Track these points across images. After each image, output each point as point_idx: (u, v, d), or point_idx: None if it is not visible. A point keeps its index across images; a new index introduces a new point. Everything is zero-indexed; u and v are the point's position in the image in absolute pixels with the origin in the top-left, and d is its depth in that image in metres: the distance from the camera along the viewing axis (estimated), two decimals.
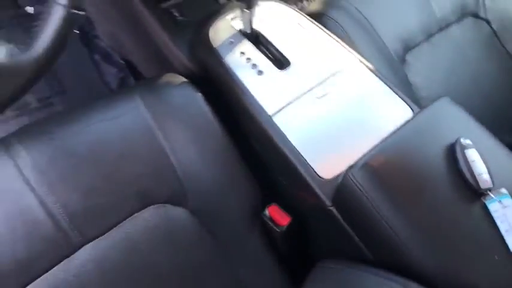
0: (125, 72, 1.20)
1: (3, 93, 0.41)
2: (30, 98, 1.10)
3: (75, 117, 0.65)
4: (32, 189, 0.58)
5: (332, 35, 0.75)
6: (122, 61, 1.20)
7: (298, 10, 0.79)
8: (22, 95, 0.42)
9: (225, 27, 0.74)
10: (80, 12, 0.42)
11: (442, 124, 0.59)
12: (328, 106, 0.65)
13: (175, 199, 0.64)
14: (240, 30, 0.73)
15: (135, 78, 1.20)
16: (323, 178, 0.59)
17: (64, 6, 0.41)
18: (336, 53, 0.72)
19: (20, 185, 0.58)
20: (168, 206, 0.64)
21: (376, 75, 0.69)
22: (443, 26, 0.96)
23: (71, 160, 0.62)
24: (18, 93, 0.42)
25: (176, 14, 0.85)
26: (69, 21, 0.41)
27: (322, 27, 0.76)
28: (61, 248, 0.58)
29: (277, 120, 0.63)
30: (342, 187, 0.55)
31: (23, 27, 1.08)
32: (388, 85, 0.68)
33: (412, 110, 0.65)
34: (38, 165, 0.59)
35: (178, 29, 0.82)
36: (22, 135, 0.62)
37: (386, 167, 0.55)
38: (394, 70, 0.85)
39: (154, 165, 0.64)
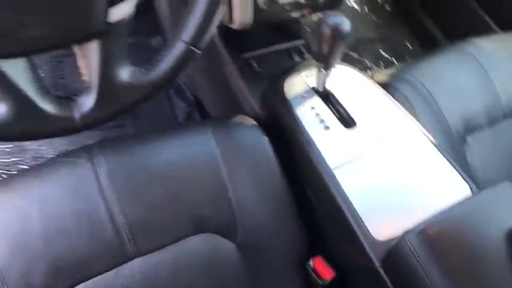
0: (192, 107, 1.29)
1: (120, 106, 0.48)
2: None
3: (153, 139, 0.72)
4: (103, 195, 0.64)
5: (397, 103, 0.79)
6: (191, 97, 1.30)
7: (368, 77, 0.85)
8: (133, 108, 0.49)
9: (299, 82, 0.80)
10: (197, 51, 0.49)
11: (503, 207, 0.60)
12: (389, 170, 0.68)
13: (226, 231, 0.67)
14: (313, 88, 0.79)
15: (200, 115, 1.29)
16: (375, 239, 0.60)
17: (186, 43, 0.48)
18: (399, 121, 0.75)
19: (93, 188, 0.64)
20: (218, 237, 0.67)
21: (437, 149, 0.71)
22: (508, 114, 0.97)
23: (142, 176, 0.68)
24: (132, 107, 0.49)
25: (255, 64, 0.94)
26: (187, 57, 0.49)
27: (388, 95, 0.81)
28: (116, 255, 0.62)
29: (338, 175, 0.66)
30: (395, 250, 0.56)
31: (145, 54, 1.23)
32: (448, 160, 0.70)
33: (471, 189, 0.66)
34: (113, 174, 0.66)
35: (254, 78, 0.91)
36: (104, 146, 0.70)
37: (443, 237, 0.55)
38: (454, 147, 0.87)
39: (214, 195, 0.69)
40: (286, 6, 0.78)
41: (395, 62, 1.72)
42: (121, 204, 0.64)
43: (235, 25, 0.79)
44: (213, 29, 0.50)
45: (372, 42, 1.77)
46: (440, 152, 0.71)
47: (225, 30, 0.86)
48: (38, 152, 1.19)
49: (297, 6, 0.79)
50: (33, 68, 0.43)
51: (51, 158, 0.71)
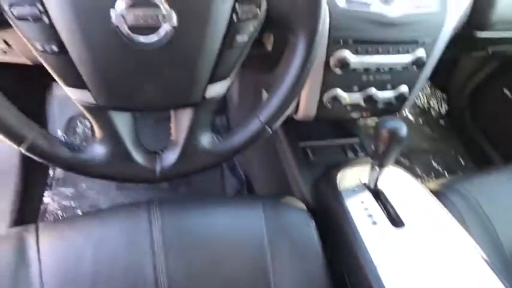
0: (241, 185, 1.36)
1: (196, 167, 0.55)
2: None
3: (207, 206, 0.77)
4: (153, 249, 0.68)
5: (448, 213, 0.80)
6: (243, 174, 1.37)
7: (420, 182, 0.87)
8: (203, 171, 0.56)
9: (352, 176, 0.84)
10: (269, 130, 0.56)
11: None
12: (434, 277, 0.66)
13: None
14: (365, 184, 0.82)
15: (249, 194, 1.35)
16: None
17: (262, 122, 0.56)
18: (449, 230, 0.75)
19: (145, 240, 0.69)
20: None
21: (490, 267, 0.69)
22: None
23: (191, 239, 0.72)
24: (203, 170, 0.56)
25: (310, 153, 1.00)
26: (259, 134, 0.56)
27: (439, 203, 0.82)
28: None
29: (381, 271, 0.66)
30: None
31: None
32: (501, 281, 0.67)
33: None
34: (165, 231, 0.70)
35: (308, 166, 0.96)
36: (163, 203, 0.75)
37: None
38: (508, 270, 0.83)
39: (254, 274, 0.71)
40: (348, 107, 0.85)
41: (446, 175, 1.72)
42: (166, 262, 0.68)
43: (299, 117, 0.87)
44: (286, 115, 0.57)
45: (424, 153, 1.80)
46: (494, 271, 0.69)
47: (287, 120, 0.94)
48: (95, 202, 1.28)
49: (358, 108, 0.86)
50: (135, 123, 0.52)
51: (114, 205, 0.78)
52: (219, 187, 1.36)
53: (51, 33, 0.43)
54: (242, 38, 0.50)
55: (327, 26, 0.71)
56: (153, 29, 0.45)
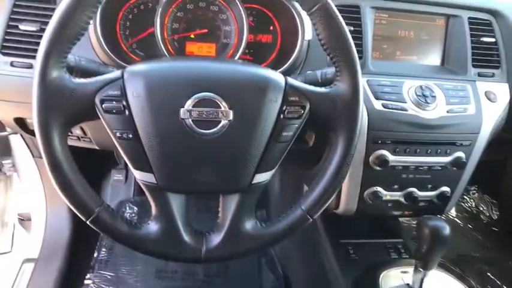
0: (279, 282, 1.32)
1: (239, 250, 0.57)
2: (199, 269, 1.31)
3: None
4: None
5: None
6: (280, 271, 1.34)
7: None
8: (246, 256, 0.58)
9: (395, 277, 0.82)
10: (310, 219, 0.58)
11: None
12: None
13: None
14: (408, 284, 0.79)
15: None
16: None
17: (303, 211, 0.59)
18: None
19: None
20: None
21: None
22: None
23: None
24: (246, 255, 0.58)
25: (351, 251, 0.99)
26: (300, 222, 0.58)
27: None
28: None
29: None
30: None
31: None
32: None
33: None
34: None
35: (349, 263, 0.95)
36: None
37: None
38: None
39: None
40: (389, 204, 0.86)
41: None
42: None
43: (340, 211, 0.89)
44: (326, 205, 0.60)
45: (477, 261, 1.68)
46: None
47: (328, 215, 0.96)
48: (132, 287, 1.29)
49: (399, 206, 0.87)
50: (187, 205, 0.57)
51: None
52: (256, 282, 1.33)
53: (129, 123, 0.52)
54: (287, 134, 0.56)
55: (366, 126, 0.77)
56: (212, 123, 0.53)
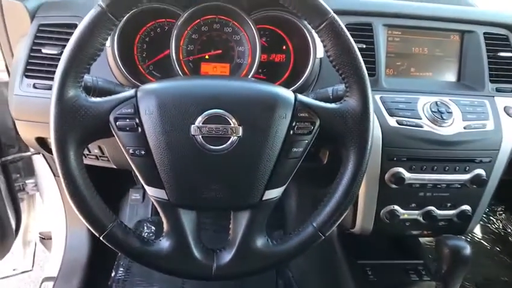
0: None
1: (250, 268, 0.57)
2: None
3: None
4: None
5: None
6: None
7: None
8: (257, 274, 0.58)
9: None
10: (322, 236, 0.58)
11: None
12: None
13: None
14: None
15: None
16: None
17: (315, 228, 0.58)
18: None
19: None
20: None
21: None
22: None
23: None
24: (256, 273, 0.57)
25: (369, 272, 0.96)
26: (312, 239, 0.58)
27: None
28: None
29: None
30: None
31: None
32: None
33: None
34: None
35: (367, 286, 0.92)
36: None
37: None
38: None
39: None
40: (407, 223, 0.84)
41: None
42: None
43: (356, 230, 0.87)
44: (339, 221, 0.59)
45: (504, 286, 1.60)
46: None
47: (344, 235, 0.93)
48: None
49: (417, 225, 0.84)
50: (198, 222, 0.57)
51: None
52: None
53: (141, 140, 0.53)
54: (297, 150, 0.56)
55: (380, 143, 0.76)
56: (222, 139, 0.53)
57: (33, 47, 0.75)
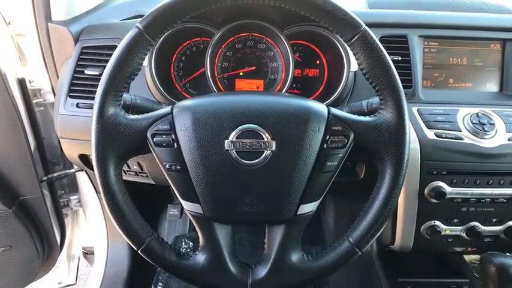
0: None
1: (285, 283, 0.56)
2: None
3: None
4: None
5: None
6: None
7: None
8: None
9: None
10: (358, 252, 0.56)
11: None
12: None
13: None
14: None
15: None
16: None
17: (351, 243, 0.57)
18: None
19: None
20: None
21: None
22: None
23: None
24: (293, 287, 0.56)
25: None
26: (349, 255, 0.56)
27: None
28: None
29: None
30: None
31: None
32: None
33: None
34: None
35: None
36: None
37: None
38: None
39: None
40: (449, 239, 0.80)
41: None
42: None
43: (396, 247, 0.84)
44: (376, 237, 0.57)
45: None
46: None
47: (384, 251, 0.90)
48: None
49: (460, 241, 0.80)
50: (233, 236, 0.58)
51: None
52: None
53: (177, 156, 0.55)
54: (332, 164, 0.56)
55: (419, 157, 0.73)
56: (255, 153, 0.54)
57: (77, 69, 0.79)
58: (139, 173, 0.87)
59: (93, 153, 0.54)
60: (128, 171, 0.87)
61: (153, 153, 0.56)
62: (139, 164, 0.83)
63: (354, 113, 0.58)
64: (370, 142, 0.56)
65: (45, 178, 1.07)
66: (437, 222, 0.78)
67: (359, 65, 0.56)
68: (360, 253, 0.56)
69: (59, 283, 1.40)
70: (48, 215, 1.08)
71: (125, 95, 0.64)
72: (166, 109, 0.57)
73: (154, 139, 0.55)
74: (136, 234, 0.56)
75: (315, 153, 0.55)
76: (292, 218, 0.56)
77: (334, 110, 0.57)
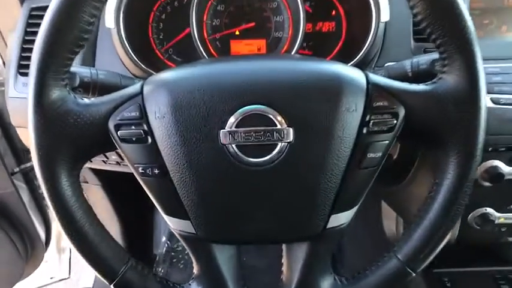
0: None
1: None
2: None
3: None
4: None
5: None
6: None
7: None
8: None
9: None
10: (411, 273, 0.41)
11: None
12: None
13: None
14: None
15: None
16: None
17: (400, 261, 0.42)
18: None
19: None
20: None
21: None
22: None
23: None
24: None
25: (447, 283, 0.81)
26: (398, 276, 0.41)
27: None
28: None
29: None
30: None
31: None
32: None
33: None
34: None
35: None
36: None
37: None
38: None
39: None
40: (502, 229, 0.66)
41: None
42: None
43: None
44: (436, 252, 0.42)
45: None
46: None
47: None
48: None
49: None
50: (238, 256, 0.43)
51: None
52: None
53: (153, 155, 0.39)
54: (374, 155, 0.39)
55: None
56: (265, 147, 0.38)
57: (26, 37, 0.62)
58: (121, 162, 0.71)
59: (34, 158, 0.38)
60: (107, 161, 0.72)
61: (120, 151, 0.40)
62: (118, 154, 0.67)
63: (394, 79, 0.42)
64: (428, 120, 0.39)
65: (17, 170, 0.95)
66: (490, 210, 0.64)
67: (412, 7, 0.38)
68: (413, 275, 0.42)
69: (51, 278, 1.31)
70: (26, 211, 0.97)
71: (83, 70, 0.47)
72: (134, 87, 0.40)
73: (119, 132, 0.39)
74: (106, 264, 0.41)
75: (351, 142, 0.38)
76: (319, 234, 0.40)
77: (374, 77, 0.40)
